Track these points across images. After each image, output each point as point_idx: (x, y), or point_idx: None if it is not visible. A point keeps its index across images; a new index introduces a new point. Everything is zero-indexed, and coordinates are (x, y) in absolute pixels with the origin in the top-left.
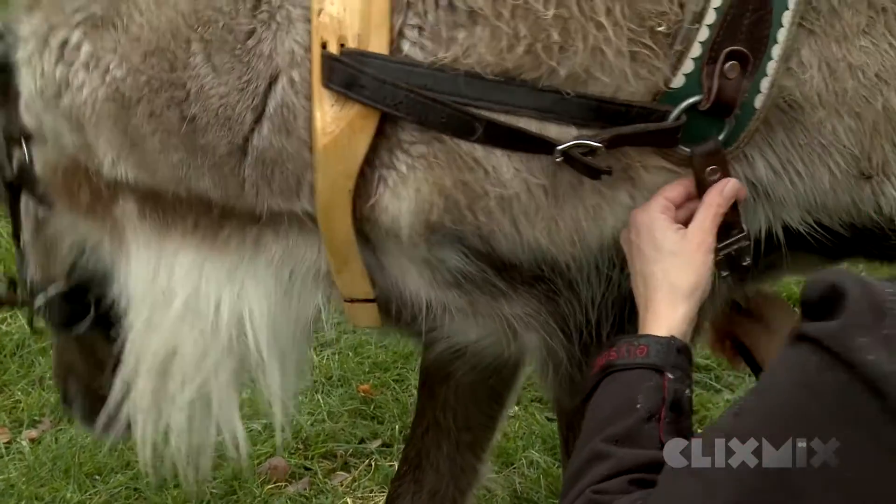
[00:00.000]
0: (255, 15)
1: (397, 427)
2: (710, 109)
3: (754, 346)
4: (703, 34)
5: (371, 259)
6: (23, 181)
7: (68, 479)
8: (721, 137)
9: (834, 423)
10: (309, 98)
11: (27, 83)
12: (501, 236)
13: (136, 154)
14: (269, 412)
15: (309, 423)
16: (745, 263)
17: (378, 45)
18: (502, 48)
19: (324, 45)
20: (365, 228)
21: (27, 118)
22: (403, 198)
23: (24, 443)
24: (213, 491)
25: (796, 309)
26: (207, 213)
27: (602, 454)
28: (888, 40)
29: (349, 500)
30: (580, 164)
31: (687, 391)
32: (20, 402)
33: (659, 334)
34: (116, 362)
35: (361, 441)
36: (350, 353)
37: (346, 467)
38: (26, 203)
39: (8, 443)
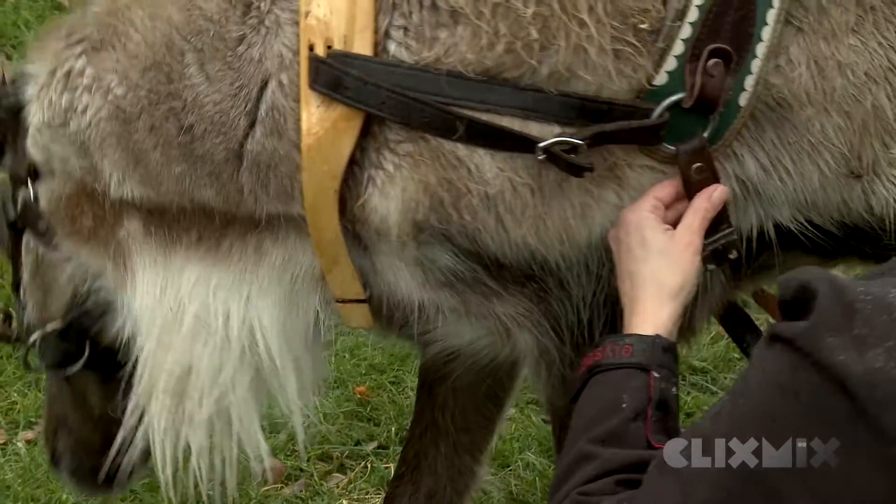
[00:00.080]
0: (245, 21)
1: (393, 429)
2: (693, 107)
3: None
4: (686, 31)
5: (364, 261)
6: (26, 220)
7: None
8: (706, 135)
9: (808, 424)
10: (297, 100)
11: (36, 117)
12: (487, 235)
13: (140, 170)
14: (288, 419)
15: (304, 424)
16: (731, 256)
17: (362, 46)
18: (482, 47)
19: (311, 48)
20: (357, 229)
21: (34, 152)
22: (391, 197)
23: (20, 444)
24: (209, 493)
25: None
26: (210, 224)
27: (589, 455)
28: (877, 39)
29: (345, 502)
30: (563, 161)
31: (673, 389)
32: (16, 404)
33: (644, 333)
34: (106, 412)
35: (357, 443)
36: (346, 355)
37: (341, 469)
38: (27, 242)
39: (4, 444)
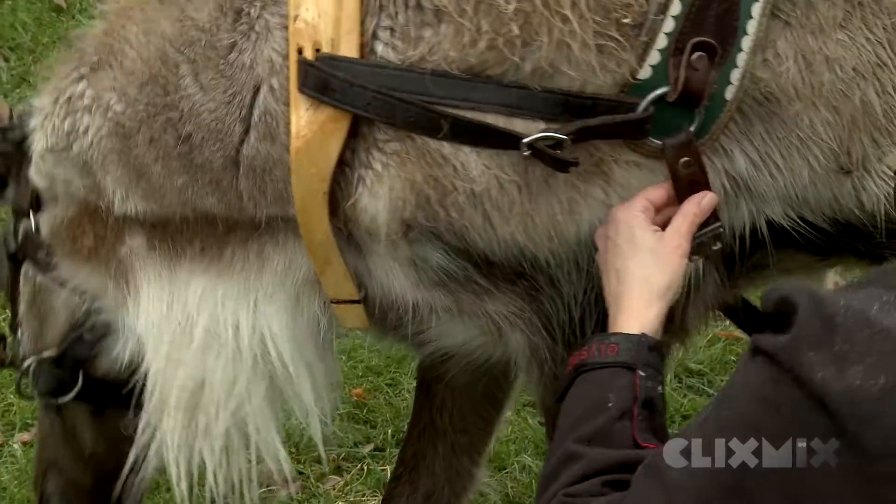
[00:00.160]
0: (236, 27)
1: (390, 431)
2: (678, 100)
3: None
4: (669, 25)
5: (359, 261)
6: (27, 251)
7: None
8: (692, 129)
9: (789, 437)
10: (288, 104)
11: (39, 144)
12: (475, 232)
13: (142, 184)
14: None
15: (301, 427)
16: (714, 248)
17: (349, 48)
18: (465, 44)
19: (300, 51)
20: (350, 229)
21: (37, 179)
22: (380, 196)
23: (16, 446)
24: (206, 495)
25: None
26: (212, 232)
27: (575, 455)
28: (865, 35)
29: None
30: (547, 156)
31: (659, 388)
32: (13, 406)
33: (630, 332)
34: (97, 451)
35: (354, 445)
36: (343, 357)
37: (338, 471)
38: (26, 271)
39: (0, 446)
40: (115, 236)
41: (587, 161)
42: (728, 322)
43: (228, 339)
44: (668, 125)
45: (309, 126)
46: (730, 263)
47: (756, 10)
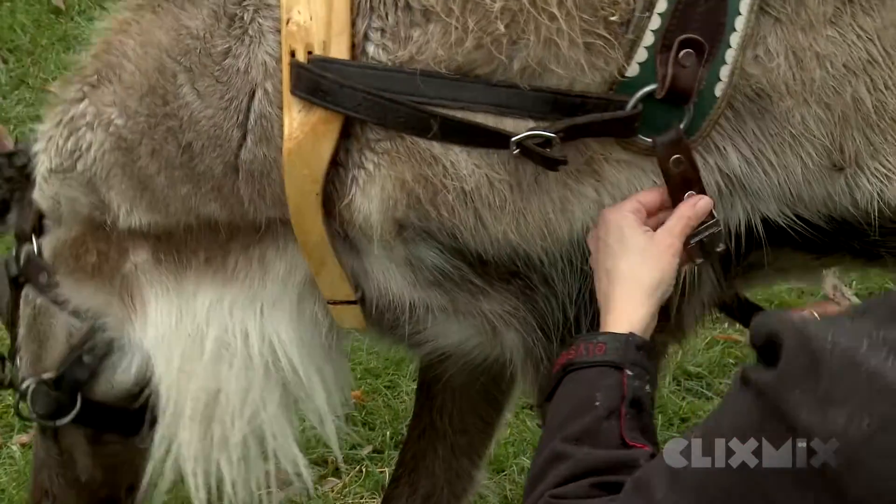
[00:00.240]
0: (230, 32)
1: (388, 433)
2: (666, 98)
3: None
4: (655, 22)
5: (356, 262)
6: (28, 275)
7: None
8: (682, 126)
9: (777, 473)
10: (282, 107)
11: (43, 166)
12: (467, 231)
13: (147, 196)
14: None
15: (300, 429)
16: (718, 249)
17: (339, 50)
18: (453, 43)
19: (292, 54)
20: (346, 230)
21: (41, 201)
22: (372, 196)
23: (14, 447)
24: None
25: None
26: (215, 239)
27: (562, 455)
28: (855, 32)
29: None
30: (537, 155)
31: (647, 388)
32: (11, 408)
33: (619, 331)
34: (92, 478)
35: (353, 447)
36: None
37: (336, 473)
38: (26, 295)
39: None
40: (119, 252)
41: (578, 159)
42: (727, 325)
43: (238, 347)
44: (658, 123)
45: (301, 128)
46: (726, 263)
47: (744, 6)
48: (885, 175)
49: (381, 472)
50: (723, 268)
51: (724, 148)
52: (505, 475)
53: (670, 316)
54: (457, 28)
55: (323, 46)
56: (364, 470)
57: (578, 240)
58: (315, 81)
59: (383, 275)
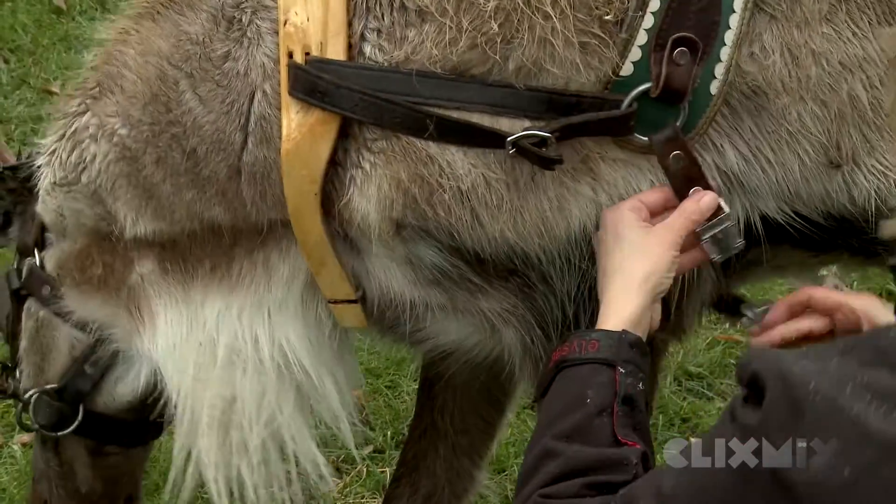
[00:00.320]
0: (229, 35)
1: (389, 433)
2: (661, 96)
3: None
4: (648, 21)
5: (357, 262)
6: (31, 288)
7: None
8: (679, 124)
9: None
10: (280, 108)
11: (46, 180)
12: (464, 230)
13: (152, 205)
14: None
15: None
16: (736, 245)
17: (336, 51)
18: (447, 43)
19: (290, 55)
20: (346, 230)
21: (45, 214)
22: (369, 196)
23: (15, 447)
24: (204, 496)
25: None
26: (219, 244)
27: (552, 452)
28: (851, 29)
29: None
30: (532, 154)
31: (640, 385)
32: (12, 407)
33: (612, 328)
34: (91, 490)
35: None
36: None
37: (337, 473)
38: (28, 307)
39: (0, 447)
40: (125, 264)
41: (574, 158)
42: (727, 325)
43: (250, 353)
44: (654, 121)
45: (299, 128)
46: (726, 260)
47: (738, 3)
48: (882, 172)
49: (382, 471)
50: (722, 265)
51: (722, 145)
52: (506, 475)
53: (671, 314)
54: (451, 28)
55: (320, 47)
56: (365, 470)
57: (576, 238)
58: (312, 82)
59: (384, 274)
